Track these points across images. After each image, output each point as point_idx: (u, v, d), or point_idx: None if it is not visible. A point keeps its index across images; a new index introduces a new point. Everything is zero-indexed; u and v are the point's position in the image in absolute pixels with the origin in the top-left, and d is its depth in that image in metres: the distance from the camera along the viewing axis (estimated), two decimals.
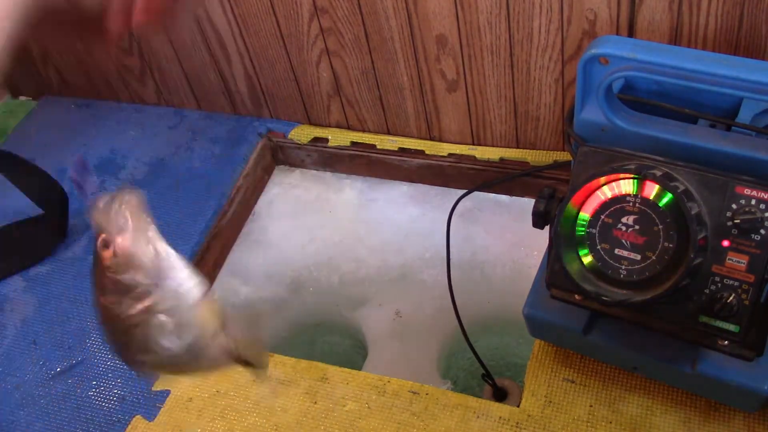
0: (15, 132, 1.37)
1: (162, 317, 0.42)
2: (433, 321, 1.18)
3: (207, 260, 1.16)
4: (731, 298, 0.66)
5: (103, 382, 0.96)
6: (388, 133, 1.22)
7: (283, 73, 1.20)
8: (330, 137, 1.24)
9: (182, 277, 0.43)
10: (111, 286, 0.42)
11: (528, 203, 1.15)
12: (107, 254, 0.41)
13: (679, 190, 0.66)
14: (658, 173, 0.67)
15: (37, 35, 0.39)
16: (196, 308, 0.43)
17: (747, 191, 0.66)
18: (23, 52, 1.37)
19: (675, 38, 0.92)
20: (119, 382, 0.95)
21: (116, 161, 1.27)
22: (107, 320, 0.44)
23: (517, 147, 1.14)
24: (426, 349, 1.16)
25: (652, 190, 0.68)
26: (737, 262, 0.66)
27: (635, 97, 0.79)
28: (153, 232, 0.42)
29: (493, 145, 1.15)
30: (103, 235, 0.42)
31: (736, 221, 0.66)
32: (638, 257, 0.69)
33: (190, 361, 0.44)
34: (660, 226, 0.68)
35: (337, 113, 1.22)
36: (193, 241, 1.12)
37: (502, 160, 1.14)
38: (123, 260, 0.41)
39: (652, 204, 0.68)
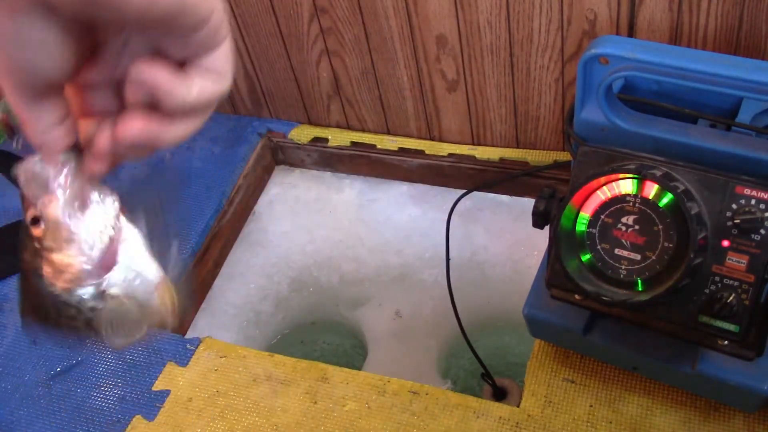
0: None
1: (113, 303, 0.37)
2: (433, 321, 1.18)
3: (207, 260, 1.16)
4: (731, 298, 0.66)
5: (103, 382, 0.96)
6: (388, 133, 1.22)
7: (283, 73, 1.19)
8: (330, 137, 1.24)
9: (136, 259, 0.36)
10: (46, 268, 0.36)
11: (528, 203, 1.15)
12: (37, 232, 0.35)
13: (679, 190, 0.66)
14: (658, 173, 0.67)
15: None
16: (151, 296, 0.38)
17: (747, 191, 0.66)
18: None
19: (675, 38, 0.92)
20: (119, 382, 0.95)
21: None
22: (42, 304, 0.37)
23: (517, 147, 1.14)
24: (426, 348, 1.16)
25: (652, 190, 0.68)
26: (737, 262, 0.66)
27: (635, 97, 0.79)
28: (98, 201, 0.36)
29: (493, 145, 1.15)
30: (32, 211, 0.35)
31: (736, 221, 0.66)
32: (638, 257, 0.69)
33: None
34: (660, 226, 0.68)
35: (337, 113, 1.22)
36: (192, 241, 1.12)
37: (502, 160, 1.14)
38: (56, 236, 0.35)
39: (652, 204, 0.68)
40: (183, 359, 0.96)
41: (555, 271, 0.74)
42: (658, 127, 0.73)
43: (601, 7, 0.92)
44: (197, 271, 1.13)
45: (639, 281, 0.70)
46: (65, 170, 0.36)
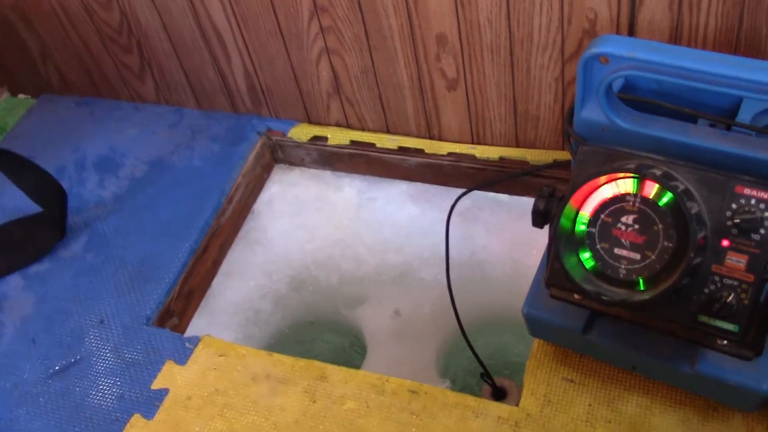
0: (14, 130, 1.37)
1: None
2: (432, 320, 1.18)
3: (206, 259, 1.15)
4: (730, 297, 0.66)
5: (102, 381, 0.96)
6: (388, 131, 1.22)
7: (282, 71, 1.19)
8: (329, 136, 1.24)
9: None
10: None
11: (528, 202, 1.15)
12: None
13: (679, 190, 0.66)
14: (658, 172, 0.67)
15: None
16: None
17: (747, 191, 0.66)
18: (23, 50, 1.37)
19: (675, 38, 0.92)
20: (118, 381, 0.95)
21: (115, 159, 1.27)
22: None
23: (517, 146, 1.14)
24: (425, 348, 1.16)
25: (651, 189, 0.68)
26: (737, 261, 0.66)
27: (635, 97, 0.79)
28: None
29: (492, 144, 1.15)
30: None
31: (735, 221, 0.66)
32: (638, 256, 0.69)
33: None
34: (660, 226, 0.68)
35: (336, 112, 1.22)
36: (192, 240, 1.12)
37: (501, 159, 1.14)
38: None
39: (652, 203, 0.68)
40: (182, 358, 0.96)
41: (554, 271, 0.74)
42: (658, 126, 0.73)
43: (601, 7, 0.92)
44: (196, 269, 1.13)
45: (639, 280, 0.69)
46: None
